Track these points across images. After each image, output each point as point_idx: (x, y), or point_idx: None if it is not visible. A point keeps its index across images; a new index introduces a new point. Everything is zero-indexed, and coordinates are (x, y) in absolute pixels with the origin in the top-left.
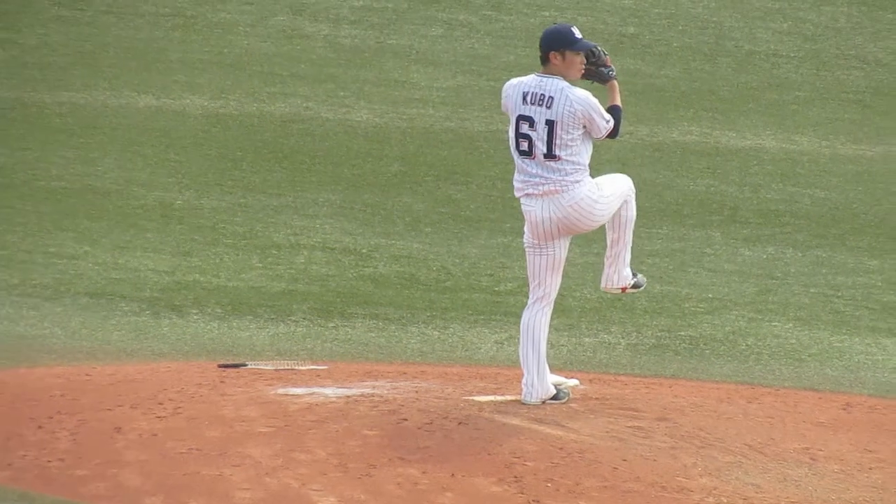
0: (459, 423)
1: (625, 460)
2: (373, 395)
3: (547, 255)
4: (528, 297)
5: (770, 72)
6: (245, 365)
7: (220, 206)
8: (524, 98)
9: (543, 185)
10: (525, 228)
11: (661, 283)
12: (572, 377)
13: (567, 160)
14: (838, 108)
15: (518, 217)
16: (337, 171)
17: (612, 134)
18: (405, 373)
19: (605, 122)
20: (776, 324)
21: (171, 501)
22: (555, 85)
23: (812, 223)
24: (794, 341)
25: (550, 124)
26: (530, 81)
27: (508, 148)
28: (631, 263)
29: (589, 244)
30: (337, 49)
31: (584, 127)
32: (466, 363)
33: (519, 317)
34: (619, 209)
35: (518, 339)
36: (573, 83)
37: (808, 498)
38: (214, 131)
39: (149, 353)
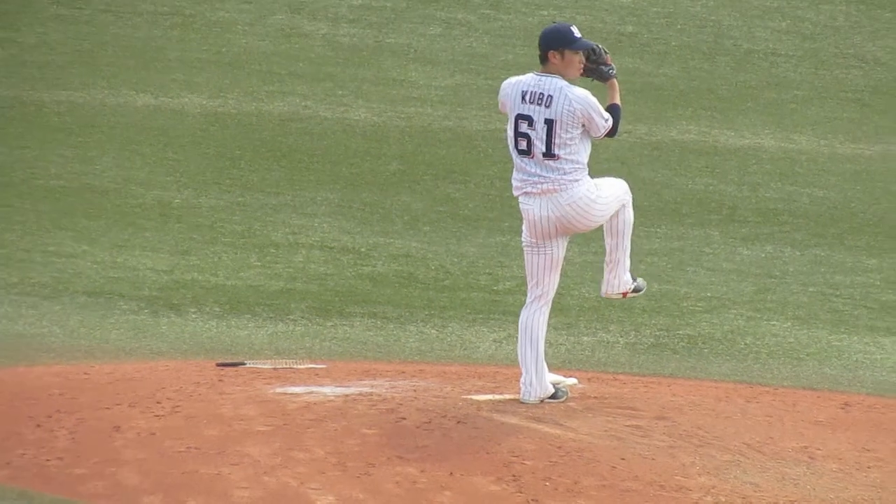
0: (458, 422)
1: (623, 459)
2: (371, 393)
3: (545, 254)
4: (526, 296)
5: (769, 71)
6: (243, 364)
7: (218, 204)
8: (523, 97)
9: (542, 183)
10: (523, 227)
11: (660, 282)
12: (571, 376)
13: (566, 159)
14: (837, 107)
15: (516, 216)
16: (335, 169)
17: (611, 133)
18: (404, 371)
19: (603, 121)
20: (775, 323)
21: (170, 500)
22: (554, 84)
23: (810, 222)
24: (792, 340)
25: (549, 123)
26: (529, 80)
27: (507, 147)
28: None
29: (587, 243)
30: (335, 48)
31: (583, 126)
32: (465, 362)
33: (517, 316)
34: (617, 215)
35: (516, 337)
36: (572, 82)
37: (807, 496)
38: (213, 130)
39: (147, 351)
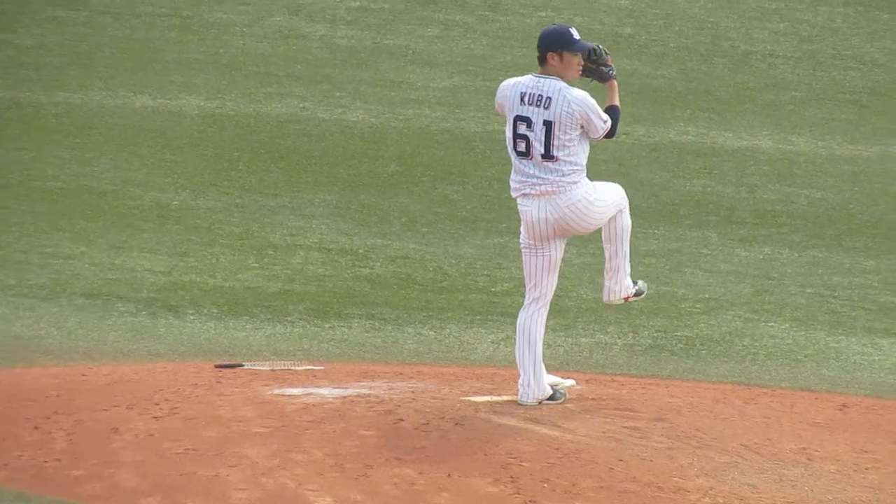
0: (456, 424)
1: (621, 461)
2: (369, 395)
3: (543, 255)
4: (524, 298)
5: (766, 72)
6: (241, 365)
7: (216, 206)
8: (522, 98)
9: (540, 185)
10: (521, 229)
11: (658, 283)
12: (569, 377)
13: (565, 161)
14: (835, 108)
15: (514, 217)
16: (333, 171)
17: (610, 134)
18: (402, 373)
19: (602, 123)
20: (772, 324)
21: (168, 502)
22: (552, 85)
23: (808, 223)
24: (790, 342)
25: (548, 125)
26: (528, 82)
27: (505, 148)
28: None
29: (585, 245)
30: (333, 49)
31: (582, 127)
32: (463, 364)
33: (515, 317)
34: (615, 220)
35: (514, 339)
36: (571, 83)
37: (805, 498)
38: (211, 132)
39: (145, 353)
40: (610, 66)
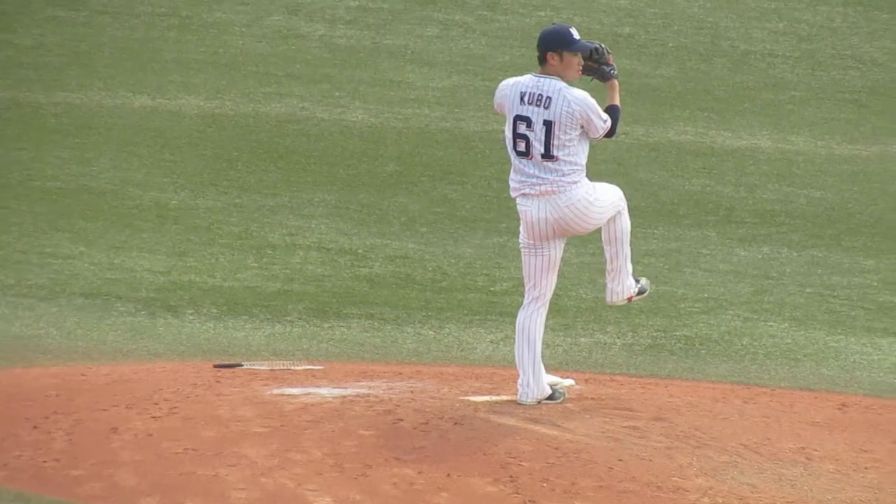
0: (455, 424)
1: (620, 460)
2: (368, 395)
3: (543, 255)
4: (523, 298)
5: (766, 72)
6: (241, 365)
7: (215, 206)
8: (522, 98)
9: (540, 185)
10: (521, 229)
11: (657, 283)
12: (568, 377)
13: (564, 160)
14: (834, 107)
15: (514, 217)
16: (332, 171)
17: (609, 134)
18: (401, 373)
19: (602, 123)
20: (772, 324)
21: (167, 502)
22: (552, 85)
23: (808, 223)
24: (789, 341)
25: (548, 125)
26: (527, 81)
27: (504, 148)
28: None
29: (584, 245)
30: (332, 49)
31: (582, 127)
32: (462, 363)
33: (514, 317)
34: (614, 222)
35: (514, 339)
36: (571, 83)
37: (804, 498)
38: (210, 131)
39: (144, 353)
40: (611, 65)
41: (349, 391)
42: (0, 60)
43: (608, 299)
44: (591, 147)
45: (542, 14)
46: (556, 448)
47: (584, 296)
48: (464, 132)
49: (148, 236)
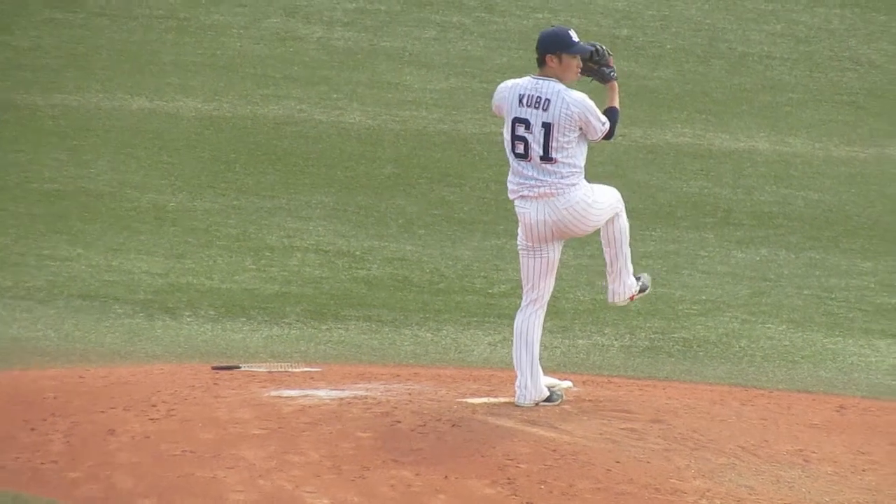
0: (453, 426)
1: (618, 462)
2: (366, 397)
3: (541, 257)
4: (521, 300)
5: (763, 74)
6: (238, 367)
7: (213, 208)
8: (520, 100)
9: (539, 187)
10: (519, 231)
11: (655, 285)
12: (566, 379)
13: (563, 162)
14: (831, 109)
15: (512, 219)
16: (330, 173)
17: (608, 136)
18: (398, 375)
19: (600, 125)
20: (769, 326)
21: (165, 503)
22: (551, 87)
23: (805, 225)
24: (787, 343)
25: (547, 127)
26: (526, 84)
27: (502, 150)
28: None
29: (582, 246)
30: (330, 51)
31: (580, 129)
32: (460, 365)
33: (512, 319)
34: (612, 223)
35: (511, 341)
36: (569, 85)
37: (802, 500)
38: (207, 133)
39: (142, 355)
40: (612, 67)
41: (347, 393)
42: None
43: (610, 300)
44: (589, 149)
45: (540, 16)
46: (554, 450)
47: (581, 298)
48: (461, 134)
49: (146, 238)
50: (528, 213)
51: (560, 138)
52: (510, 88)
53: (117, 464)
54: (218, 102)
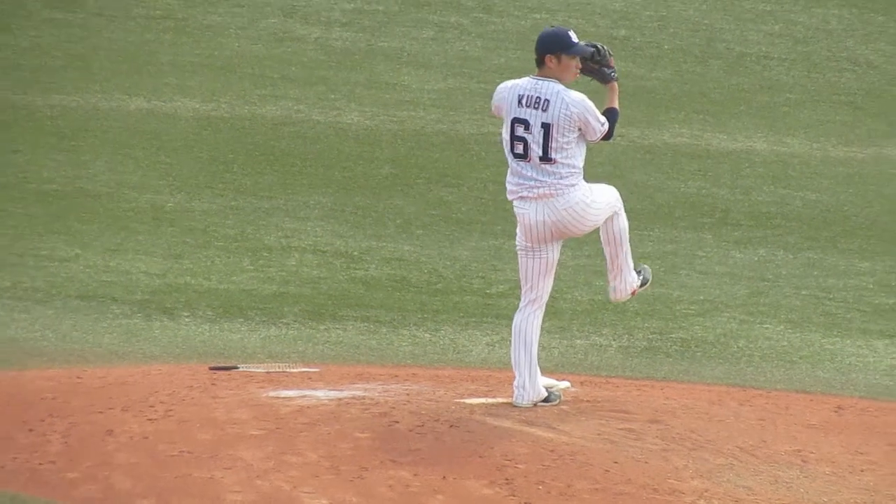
0: (451, 426)
1: (616, 462)
2: (364, 397)
3: (540, 258)
4: (519, 300)
5: (761, 74)
6: (236, 367)
7: (211, 208)
8: (519, 101)
9: (538, 188)
10: (518, 231)
11: (653, 285)
12: (564, 379)
13: (562, 163)
14: (829, 110)
15: (509, 219)
16: (328, 173)
17: (607, 137)
18: (397, 375)
19: (600, 125)
20: (767, 326)
21: None
22: (550, 88)
23: (803, 225)
24: (785, 343)
25: (546, 127)
26: (525, 84)
27: (501, 150)
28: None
29: (580, 246)
30: (328, 51)
31: (580, 130)
32: (458, 366)
33: (510, 319)
34: (612, 222)
35: (509, 341)
36: (568, 85)
37: (800, 500)
38: (205, 134)
39: (140, 355)
40: (612, 67)
41: (345, 393)
42: None
43: (612, 297)
44: (587, 149)
45: (538, 16)
46: (552, 450)
47: (579, 298)
48: (459, 135)
49: (144, 239)
50: (528, 213)
51: (559, 139)
52: (509, 89)
53: (115, 464)
54: (216, 103)
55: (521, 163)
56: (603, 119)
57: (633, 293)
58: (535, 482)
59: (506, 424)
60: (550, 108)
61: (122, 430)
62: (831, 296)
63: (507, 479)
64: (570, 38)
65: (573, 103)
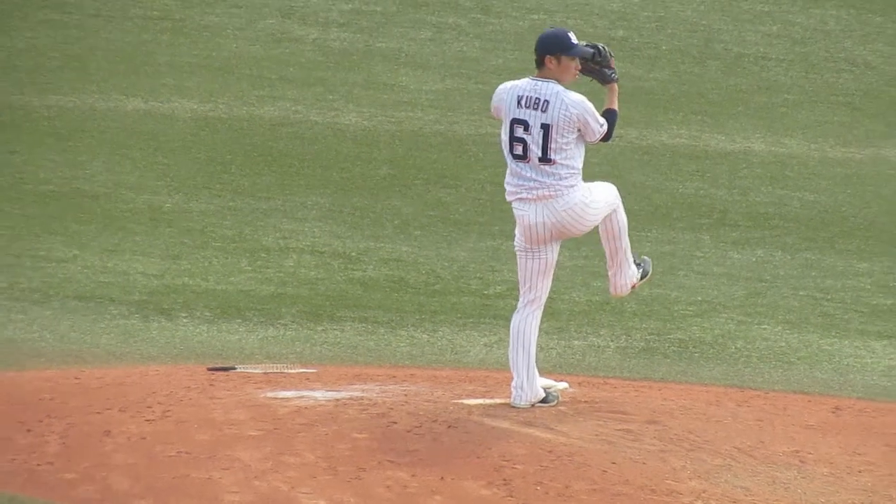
0: (449, 427)
1: (614, 463)
2: (362, 398)
3: (539, 258)
4: (517, 301)
5: (759, 74)
6: (234, 368)
7: (209, 209)
8: (519, 101)
9: (538, 189)
10: (516, 232)
11: (651, 286)
12: (561, 380)
13: (562, 164)
14: (827, 110)
15: (507, 220)
16: (326, 174)
17: (606, 138)
18: (394, 376)
19: (599, 126)
20: (765, 327)
21: None
22: (550, 89)
23: (801, 226)
24: (783, 344)
25: (546, 128)
26: (525, 85)
27: (499, 151)
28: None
29: (578, 247)
30: (326, 52)
31: (579, 131)
32: (456, 366)
33: (508, 320)
34: (611, 220)
35: (507, 342)
36: (568, 86)
37: (798, 501)
38: (203, 134)
39: (138, 356)
40: (613, 68)
41: (343, 394)
42: None
43: (612, 292)
44: (586, 150)
45: (536, 17)
46: (550, 451)
47: (577, 299)
48: (457, 135)
49: (141, 239)
50: (527, 214)
51: (559, 139)
52: (509, 90)
53: (113, 465)
54: (213, 103)
55: (520, 164)
56: (602, 120)
57: (633, 287)
58: (532, 483)
59: (504, 425)
60: (550, 108)
61: (119, 431)
62: (829, 296)
63: (504, 480)
64: (569, 39)
65: (573, 104)
